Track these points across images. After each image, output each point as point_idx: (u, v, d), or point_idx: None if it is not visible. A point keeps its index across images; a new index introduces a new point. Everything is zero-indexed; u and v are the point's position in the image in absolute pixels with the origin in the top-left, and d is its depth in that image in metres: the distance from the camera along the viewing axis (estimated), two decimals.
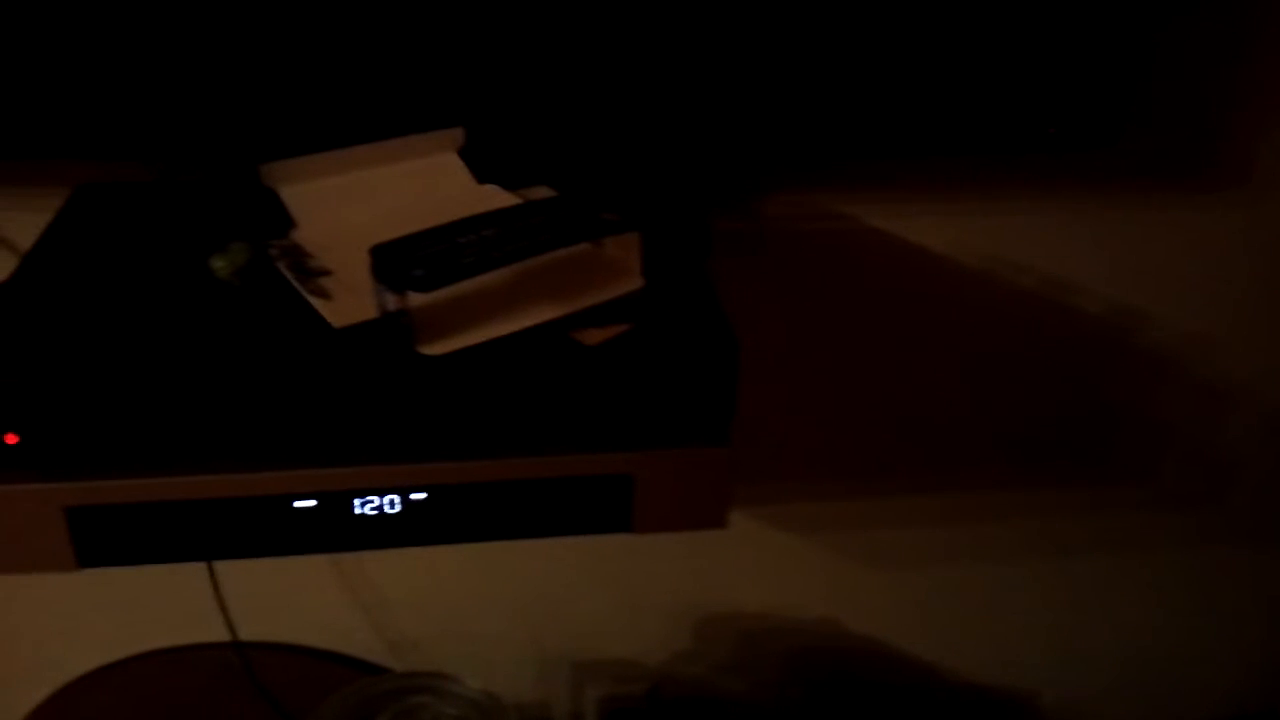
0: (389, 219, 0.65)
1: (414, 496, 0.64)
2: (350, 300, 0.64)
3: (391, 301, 0.61)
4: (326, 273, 0.67)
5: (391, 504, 0.65)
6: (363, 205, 0.72)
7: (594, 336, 0.63)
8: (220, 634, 1.03)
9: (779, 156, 0.91)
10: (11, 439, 0.61)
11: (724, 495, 0.66)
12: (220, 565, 1.00)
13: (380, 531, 0.65)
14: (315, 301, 0.65)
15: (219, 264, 0.68)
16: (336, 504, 0.64)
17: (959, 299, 1.01)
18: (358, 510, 0.64)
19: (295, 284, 0.66)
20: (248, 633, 1.05)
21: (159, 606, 1.05)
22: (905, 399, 1.07)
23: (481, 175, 0.75)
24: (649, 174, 0.84)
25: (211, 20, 0.74)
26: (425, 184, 0.74)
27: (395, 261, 0.60)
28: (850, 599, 1.19)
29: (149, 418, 0.61)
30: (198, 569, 0.99)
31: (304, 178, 0.73)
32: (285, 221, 0.71)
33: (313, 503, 0.64)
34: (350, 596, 1.09)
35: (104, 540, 0.64)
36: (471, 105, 0.78)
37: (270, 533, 0.65)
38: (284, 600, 1.07)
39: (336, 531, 0.65)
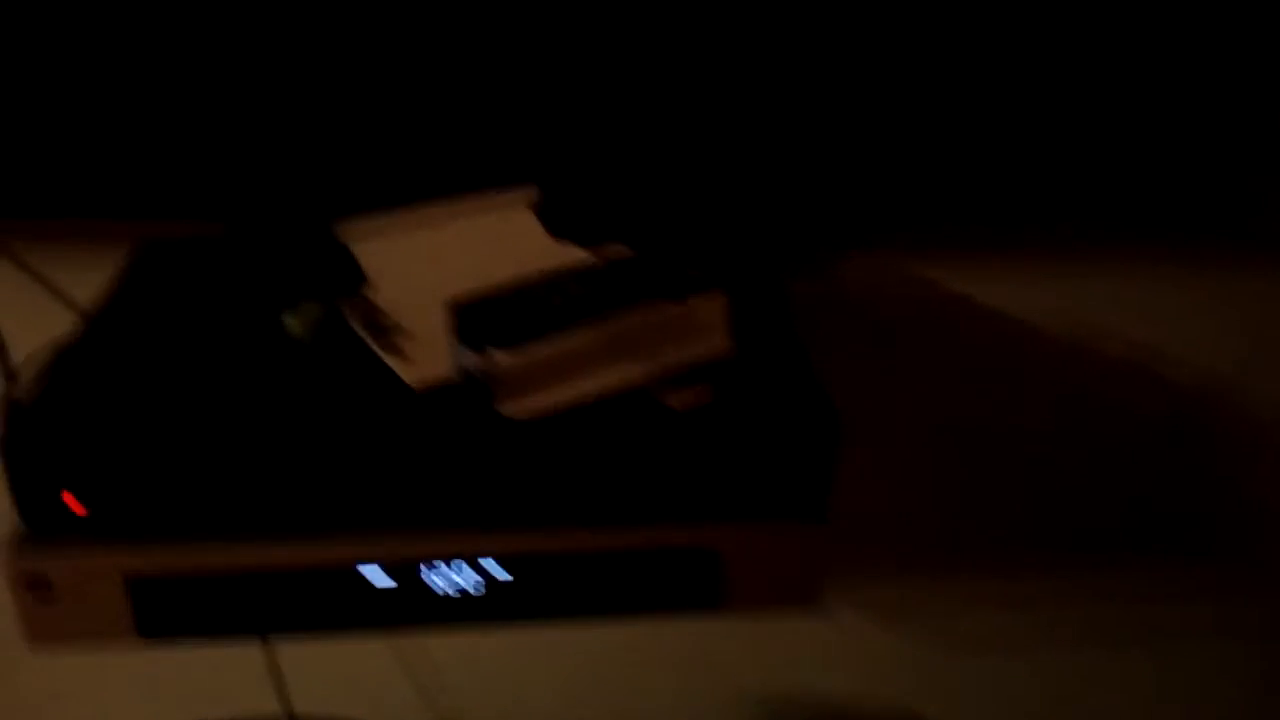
0: (464, 277, 0.62)
1: (490, 569, 0.61)
2: (427, 360, 0.62)
3: (472, 361, 0.58)
4: (402, 331, 0.64)
5: (466, 577, 0.61)
6: (438, 263, 0.70)
7: (681, 400, 0.60)
8: (272, 705, 1.00)
9: (865, 221, 0.88)
10: (73, 504, 0.59)
11: (819, 573, 0.62)
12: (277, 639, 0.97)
13: (453, 608, 0.62)
14: (391, 361, 0.62)
15: (291, 321, 0.66)
16: (408, 575, 0.61)
17: (1046, 367, 0.97)
18: (430, 584, 0.61)
19: (370, 342, 0.64)
20: (301, 705, 1.02)
21: (211, 675, 1.02)
22: (988, 473, 1.02)
23: (556, 233, 0.73)
24: (725, 233, 0.81)
25: (284, 77, 0.73)
26: (500, 241, 0.72)
27: (477, 319, 0.58)
28: (935, 689, 1.13)
29: (216, 482, 0.59)
30: (254, 643, 0.96)
31: (378, 235, 0.71)
32: (359, 279, 0.69)
33: (384, 576, 0.61)
34: (406, 672, 1.05)
35: (166, 612, 0.61)
36: (546, 163, 0.77)
37: (339, 607, 0.62)
38: (338, 673, 1.03)
39: (407, 607, 0.62)
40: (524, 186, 0.74)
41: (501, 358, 0.57)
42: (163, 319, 0.69)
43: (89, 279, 0.79)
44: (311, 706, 1.04)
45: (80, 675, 1.03)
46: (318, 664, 1.01)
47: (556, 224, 0.74)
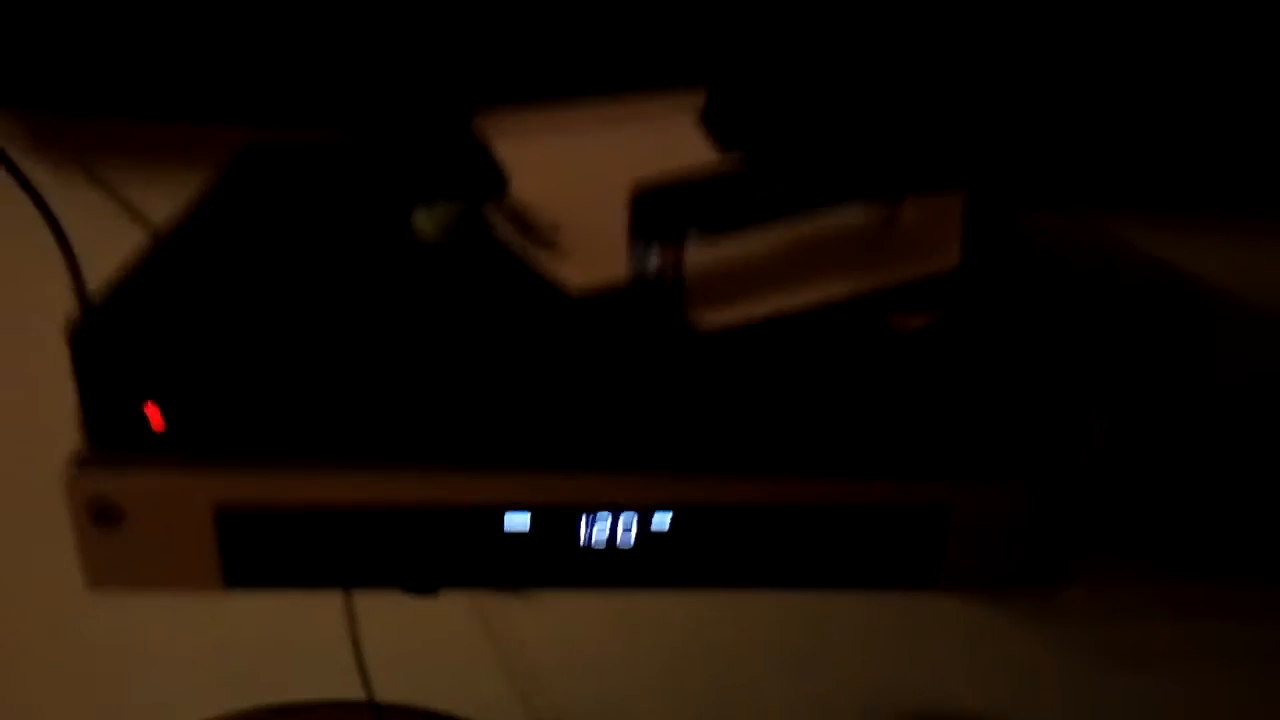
0: (623, 184, 0.51)
1: (657, 519, 0.49)
2: (589, 263, 0.51)
3: (654, 259, 0.47)
4: (556, 232, 0.53)
5: (623, 529, 0.50)
6: (591, 168, 0.59)
7: (907, 322, 0.49)
8: (355, 692, 0.89)
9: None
10: (155, 418, 0.49)
11: (1064, 547, 0.50)
12: (362, 614, 0.86)
13: (603, 565, 0.51)
14: (545, 264, 0.51)
15: (423, 222, 0.55)
16: (556, 522, 0.50)
17: (1251, 346, 0.84)
18: (583, 533, 0.50)
19: (518, 243, 0.53)
20: (384, 693, 0.91)
21: (288, 654, 0.92)
22: (1166, 464, 0.89)
23: (726, 144, 0.62)
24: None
25: None
26: (662, 149, 0.61)
27: (663, 207, 0.47)
28: (1083, 704, 0.99)
29: (329, 399, 0.48)
30: (336, 617, 0.86)
31: (524, 133, 0.60)
32: (500, 180, 0.58)
33: (525, 519, 0.49)
34: (498, 660, 0.94)
35: (260, 554, 0.50)
36: (716, 62, 0.66)
37: (464, 557, 0.50)
38: (426, 659, 0.93)
39: (551, 559, 0.50)
40: (693, 89, 0.63)
41: (693, 252, 0.46)
42: (270, 218, 0.59)
43: (171, 193, 0.70)
44: (395, 696, 0.93)
45: (141, 648, 0.94)
46: (405, 650, 0.91)
47: (727, 134, 0.63)
